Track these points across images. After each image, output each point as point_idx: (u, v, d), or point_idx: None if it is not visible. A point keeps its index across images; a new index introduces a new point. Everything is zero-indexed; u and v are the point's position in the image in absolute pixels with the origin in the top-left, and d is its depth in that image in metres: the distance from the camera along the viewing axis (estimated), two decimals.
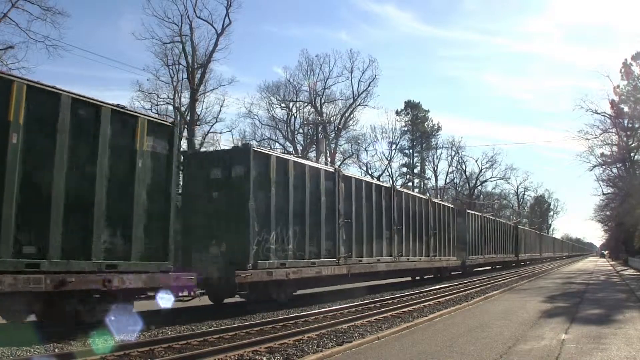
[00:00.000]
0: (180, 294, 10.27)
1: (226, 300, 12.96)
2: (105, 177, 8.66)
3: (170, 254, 9.81)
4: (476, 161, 70.34)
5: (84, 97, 8.51)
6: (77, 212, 8.24)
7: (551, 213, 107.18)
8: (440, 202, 27.07)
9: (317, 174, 14.72)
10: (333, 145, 50.25)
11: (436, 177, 66.98)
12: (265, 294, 12.63)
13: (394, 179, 58.33)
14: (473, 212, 33.10)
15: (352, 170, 50.78)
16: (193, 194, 12.64)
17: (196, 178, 12.68)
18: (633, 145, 43.72)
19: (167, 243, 9.78)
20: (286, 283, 13.13)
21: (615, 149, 44.44)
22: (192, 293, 10.55)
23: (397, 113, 62.35)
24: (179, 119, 37.49)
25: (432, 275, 25.37)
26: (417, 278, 24.48)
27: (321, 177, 14.79)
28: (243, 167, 11.98)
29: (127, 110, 9.45)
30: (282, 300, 13.09)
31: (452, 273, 28.17)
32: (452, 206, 29.14)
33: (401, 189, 22.29)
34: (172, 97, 40.16)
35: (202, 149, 34.63)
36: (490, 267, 38.22)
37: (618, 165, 46.91)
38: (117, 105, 9.09)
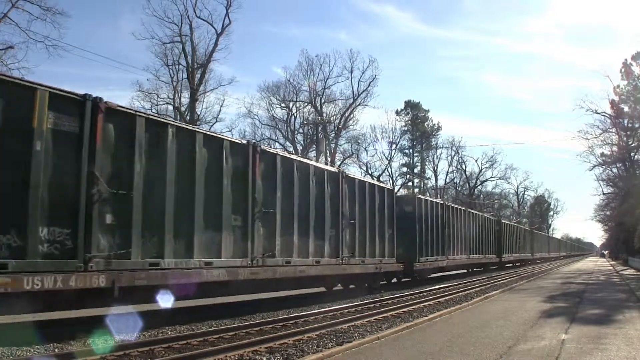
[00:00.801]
0: None
1: (226, 300, 12.95)
2: None
3: None
4: (476, 161, 70.43)
5: None
6: None
7: (551, 213, 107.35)
8: (364, 180, 18.28)
9: (7, 93, 7.33)
10: (333, 145, 50.33)
11: (436, 177, 67.11)
12: None
13: (394, 178, 58.45)
14: (428, 199, 24.91)
15: (352, 171, 50.78)
16: None
17: None
18: (633, 145, 43.79)
19: None
20: None
21: (615, 148, 44.57)
22: None
23: (397, 113, 62.50)
24: (179, 118, 37.53)
25: (354, 285, 17.29)
26: (340, 287, 17.32)
27: (38, 108, 7.60)
28: None
29: None
30: None
31: (402, 280, 21.57)
32: (388, 187, 20.48)
33: (274, 151, 13.50)
34: (172, 97, 40.34)
35: None
36: (467, 271, 31.72)
37: (618, 165, 47.04)
38: None
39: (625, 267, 45.85)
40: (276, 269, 12.32)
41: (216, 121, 41.77)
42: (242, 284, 11.67)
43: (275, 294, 14.28)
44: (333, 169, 16.15)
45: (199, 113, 40.39)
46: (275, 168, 12.56)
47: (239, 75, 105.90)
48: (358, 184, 16.76)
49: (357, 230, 16.40)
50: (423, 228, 22.08)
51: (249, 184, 11.60)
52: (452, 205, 29.24)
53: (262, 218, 11.94)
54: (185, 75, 39.63)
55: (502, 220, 41.24)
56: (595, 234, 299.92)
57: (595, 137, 42.49)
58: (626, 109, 42.42)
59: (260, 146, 12.38)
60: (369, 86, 50.80)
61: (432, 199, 26.03)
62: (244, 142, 12.09)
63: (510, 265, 44.12)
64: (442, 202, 27.29)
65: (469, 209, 32.11)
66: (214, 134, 11.56)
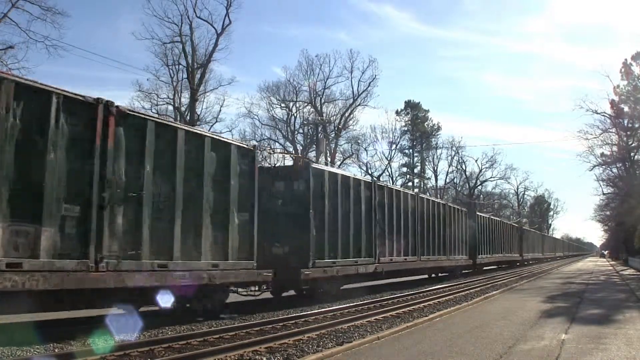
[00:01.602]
0: None
1: (227, 300, 12.88)
2: None
3: None
4: (476, 161, 70.29)
5: None
6: None
7: (551, 213, 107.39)
8: (177, 125, 10.91)
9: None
10: (333, 145, 50.32)
11: (436, 177, 67.12)
12: None
13: (394, 178, 58.41)
14: (339, 172, 16.97)
15: (353, 170, 50.59)
16: None
17: None
18: (633, 145, 43.76)
19: None
20: None
21: (615, 148, 44.50)
22: None
23: (397, 113, 62.51)
24: (179, 118, 37.53)
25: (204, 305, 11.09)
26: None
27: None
28: None
29: None
30: None
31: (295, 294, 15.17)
32: (243, 144, 12.58)
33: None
34: (172, 97, 40.31)
35: None
36: (428, 276, 25.60)
37: (618, 165, 46.97)
38: None
39: (625, 267, 45.87)
40: None
41: (216, 121, 41.76)
42: None
43: None
44: (83, 98, 8.26)
45: (199, 113, 40.40)
46: None
47: (239, 75, 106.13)
48: (156, 130, 9.47)
49: (149, 210, 9.22)
50: (328, 215, 14.65)
51: None
52: (390, 186, 20.64)
53: None
54: (185, 75, 39.63)
55: (478, 213, 33.92)
56: (595, 234, 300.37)
57: (595, 137, 42.45)
58: (626, 109, 42.42)
59: None
60: (368, 86, 50.85)
61: (347, 174, 17.48)
62: None
63: (494, 267, 38.09)
64: (370, 180, 19.65)
65: (420, 194, 24.24)
66: None
